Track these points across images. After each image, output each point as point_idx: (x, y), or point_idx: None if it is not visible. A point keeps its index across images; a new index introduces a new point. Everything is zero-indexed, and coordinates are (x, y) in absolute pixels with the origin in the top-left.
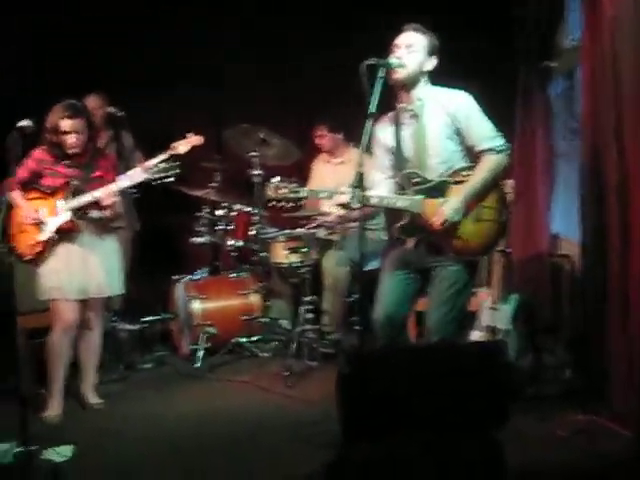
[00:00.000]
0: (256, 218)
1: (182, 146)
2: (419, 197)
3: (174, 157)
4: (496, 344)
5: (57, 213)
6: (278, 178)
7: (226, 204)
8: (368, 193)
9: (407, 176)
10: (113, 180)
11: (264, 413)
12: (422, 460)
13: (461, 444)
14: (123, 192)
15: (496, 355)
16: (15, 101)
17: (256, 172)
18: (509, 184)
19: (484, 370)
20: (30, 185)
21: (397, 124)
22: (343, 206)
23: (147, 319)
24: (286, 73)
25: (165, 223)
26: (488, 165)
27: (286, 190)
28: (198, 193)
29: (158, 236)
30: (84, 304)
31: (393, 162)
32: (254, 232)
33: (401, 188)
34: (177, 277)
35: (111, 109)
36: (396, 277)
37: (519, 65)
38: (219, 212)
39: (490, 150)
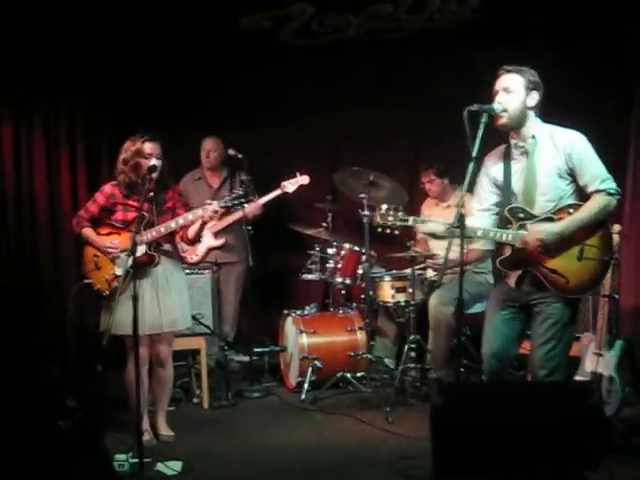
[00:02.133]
0: (364, 257)
1: (291, 185)
2: (522, 232)
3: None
4: (588, 384)
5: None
6: (386, 205)
7: (336, 243)
8: (473, 225)
9: (512, 211)
10: (183, 210)
11: (363, 446)
12: None
13: None
14: (238, 228)
15: (587, 396)
16: None
17: (366, 213)
18: (616, 228)
19: (574, 409)
20: (100, 221)
21: (507, 159)
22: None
23: (257, 350)
24: (395, 117)
25: (278, 259)
26: (596, 204)
27: (393, 218)
28: (310, 232)
29: (271, 272)
30: (156, 339)
31: (500, 197)
32: (362, 271)
33: (506, 222)
34: (287, 312)
35: (231, 151)
36: (501, 316)
37: (632, 112)
38: (330, 250)
39: (603, 191)
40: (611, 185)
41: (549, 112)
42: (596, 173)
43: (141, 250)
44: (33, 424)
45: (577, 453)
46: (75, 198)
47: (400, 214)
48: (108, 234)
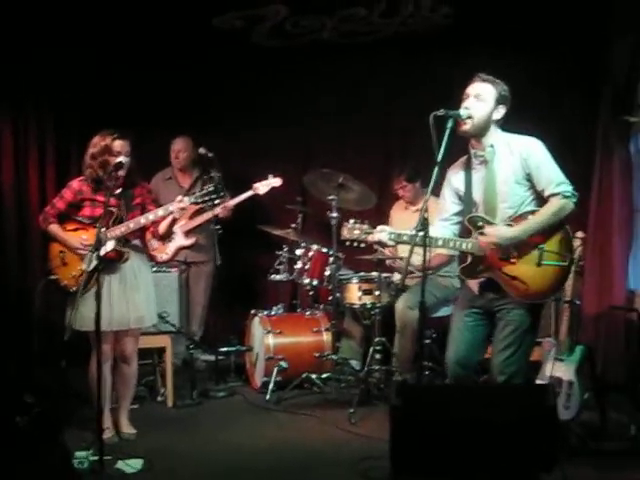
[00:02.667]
0: (332, 259)
1: (262, 187)
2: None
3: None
4: (544, 387)
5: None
6: (352, 220)
7: (304, 244)
8: (434, 235)
9: (472, 220)
10: (153, 206)
11: (326, 446)
12: None
13: None
14: (208, 228)
15: (543, 397)
16: None
17: (334, 215)
18: (579, 235)
19: (530, 411)
20: (67, 217)
21: (468, 169)
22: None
23: (223, 350)
24: (367, 120)
25: (247, 260)
26: (551, 207)
27: (358, 232)
28: (279, 232)
29: (239, 271)
30: (119, 337)
31: (462, 207)
32: (329, 272)
33: (467, 232)
34: (254, 311)
35: (202, 150)
36: (466, 322)
37: (599, 118)
38: (298, 251)
39: (557, 194)
40: (567, 188)
41: (519, 117)
42: (552, 177)
43: (110, 246)
44: None
45: (532, 455)
46: (43, 193)
47: (365, 227)
48: (75, 229)
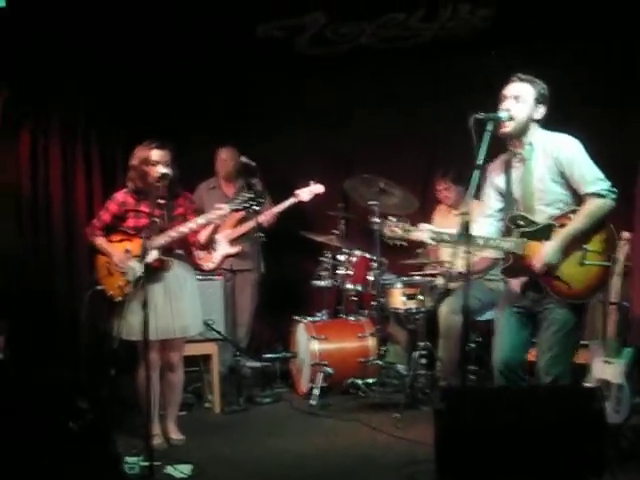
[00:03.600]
0: (375, 264)
1: (305, 194)
2: (522, 239)
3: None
4: (590, 390)
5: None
6: (394, 219)
7: (347, 250)
8: (476, 233)
9: (513, 219)
10: (193, 216)
11: (371, 451)
12: None
13: None
14: (252, 237)
15: (590, 400)
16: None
17: (376, 220)
18: (625, 235)
19: (577, 414)
20: (114, 228)
21: (507, 167)
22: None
23: (269, 356)
24: (408, 125)
25: (290, 266)
26: (589, 208)
27: (400, 231)
28: (322, 239)
29: (283, 278)
30: (167, 344)
31: (503, 205)
32: (372, 277)
33: (508, 230)
34: (299, 318)
35: (244, 159)
36: (510, 322)
37: None
38: (340, 257)
39: (593, 194)
40: (602, 186)
41: (558, 119)
42: (585, 175)
43: (153, 255)
44: (44, 425)
45: (580, 459)
46: (90, 204)
47: (406, 225)
48: (120, 241)
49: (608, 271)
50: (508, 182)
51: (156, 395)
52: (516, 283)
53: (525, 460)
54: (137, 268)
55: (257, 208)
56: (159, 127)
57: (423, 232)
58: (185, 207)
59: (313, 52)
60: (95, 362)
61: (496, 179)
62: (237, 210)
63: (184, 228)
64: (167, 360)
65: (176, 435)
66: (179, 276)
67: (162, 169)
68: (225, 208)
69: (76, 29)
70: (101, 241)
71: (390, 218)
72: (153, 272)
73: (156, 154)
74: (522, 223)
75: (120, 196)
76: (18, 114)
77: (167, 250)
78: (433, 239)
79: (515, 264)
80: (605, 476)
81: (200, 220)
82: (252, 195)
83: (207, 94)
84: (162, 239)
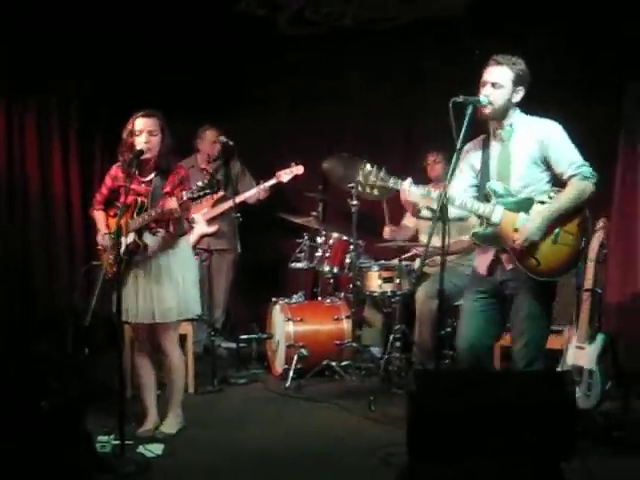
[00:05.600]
0: (352, 247)
1: (285, 175)
2: (499, 207)
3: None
4: (563, 374)
5: (127, 233)
6: (369, 165)
7: (325, 232)
8: (452, 195)
9: (492, 187)
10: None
11: (345, 434)
12: None
13: (521, 473)
14: (229, 216)
15: (561, 384)
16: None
17: (354, 203)
18: (602, 222)
19: (547, 398)
20: (111, 203)
21: (485, 147)
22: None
23: (244, 337)
24: (389, 106)
25: (268, 247)
26: (573, 190)
27: (375, 179)
28: (300, 220)
29: (260, 259)
30: (155, 329)
31: (478, 183)
32: (349, 260)
33: (485, 200)
34: (275, 299)
35: (223, 139)
36: (475, 306)
37: (623, 111)
38: (318, 239)
39: (577, 175)
40: (586, 169)
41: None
42: (571, 159)
43: (130, 237)
44: (16, 403)
45: (551, 443)
46: (67, 183)
47: (382, 174)
48: (114, 216)
49: (578, 254)
50: (485, 161)
51: (147, 379)
52: (482, 264)
53: (496, 443)
54: (121, 248)
55: (209, 195)
56: (138, 104)
57: (410, 186)
58: (173, 187)
59: (294, 32)
60: (71, 340)
61: (472, 157)
62: (193, 199)
63: (153, 212)
64: (157, 344)
65: (168, 425)
66: (160, 259)
67: (143, 144)
68: (172, 201)
69: (52, 2)
70: (97, 215)
71: (366, 165)
72: (131, 255)
73: (139, 123)
74: (500, 192)
75: (113, 170)
76: None
77: (152, 231)
78: (422, 194)
79: (487, 231)
80: (575, 460)
81: (153, 213)
82: (207, 183)
83: (187, 72)
84: (138, 220)
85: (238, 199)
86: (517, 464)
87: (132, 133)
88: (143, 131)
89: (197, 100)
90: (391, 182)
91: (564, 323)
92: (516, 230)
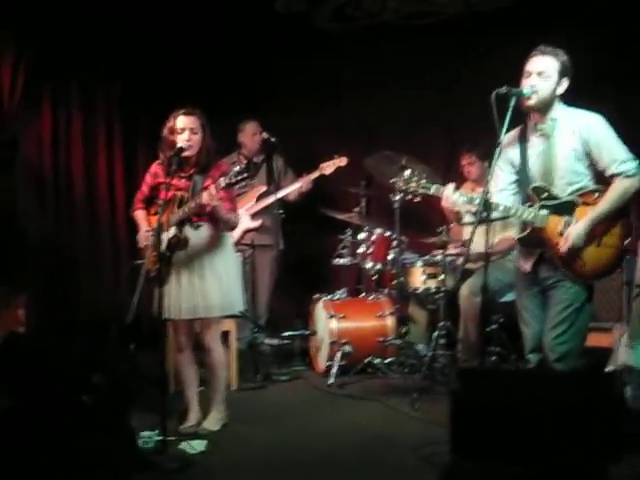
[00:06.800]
0: (395, 242)
1: (328, 167)
2: (543, 211)
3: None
4: (611, 374)
5: (168, 229)
6: (410, 171)
7: (368, 228)
8: (495, 202)
9: (536, 190)
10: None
11: (387, 431)
12: None
13: (566, 474)
14: (271, 212)
15: (610, 385)
16: None
17: (397, 198)
18: None
19: (596, 399)
20: (152, 201)
21: (523, 141)
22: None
23: (287, 334)
24: (431, 101)
25: (311, 244)
26: (618, 190)
27: (415, 184)
28: (342, 216)
29: (303, 256)
30: (197, 324)
31: (518, 179)
32: (393, 256)
33: (528, 201)
34: (318, 296)
35: (265, 134)
36: (534, 302)
37: None
38: (361, 235)
39: (621, 174)
40: (630, 166)
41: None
42: (614, 156)
43: (171, 232)
44: (58, 399)
45: (598, 445)
46: (111, 181)
47: (423, 181)
48: (155, 214)
49: (622, 254)
50: (524, 157)
51: (189, 376)
52: (525, 262)
53: (541, 444)
54: (163, 244)
55: (246, 181)
56: (180, 102)
57: (453, 192)
58: (213, 179)
59: (334, 27)
60: (117, 337)
61: (510, 152)
62: (231, 184)
63: (192, 204)
64: (199, 341)
65: (210, 421)
66: (204, 255)
67: (184, 142)
68: (211, 188)
69: (98, 1)
70: (138, 214)
71: (406, 171)
72: (173, 250)
73: (181, 121)
74: (544, 196)
75: (153, 167)
76: (39, 89)
77: (195, 225)
78: (464, 201)
79: (532, 235)
80: (623, 462)
81: (192, 204)
82: (244, 167)
83: (228, 69)
84: (178, 214)
85: (281, 193)
86: (562, 465)
87: (173, 131)
88: (185, 129)
89: (237, 97)
90: (432, 190)
91: (613, 320)
92: (561, 234)
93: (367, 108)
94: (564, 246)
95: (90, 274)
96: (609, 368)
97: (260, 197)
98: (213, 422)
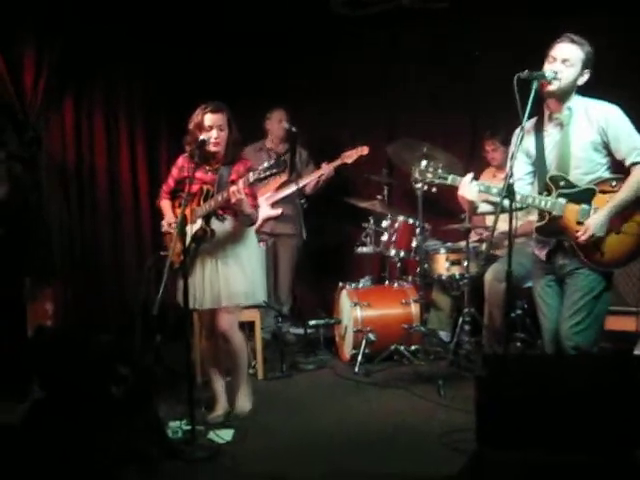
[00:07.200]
0: (418, 230)
1: (350, 156)
2: (561, 200)
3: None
4: (638, 358)
5: (193, 221)
6: (425, 162)
7: (390, 215)
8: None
9: (553, 179)
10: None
11: (413, 418)
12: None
13: (594, 461)
14: (293, 201)
15: (637, 370)
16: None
17: (419, 185)
18: None
19: (624, 384)
20: (178, 194)
21: (539, 131)
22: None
23: (312, 323)
24: (451, 86)
25: (333, 232)
26: (636, 179)
27: (431, 175)
28: (365, 204)
29: (326, 244)
30: (216, 315)
31: (534, 169)
32: (416, 243)
33: (546, 191)
34: (342, 284)
35: (285, 124)
36: (548, 291)
37: None
38: (384, 223)
39: (638, 162)
40: None
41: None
42: (633, 145)
43: (197, 224)
44: (87, 390)
45: (626, 430)
46: (134, 173)
47: (440, 171)
48: (180, 206)
49: None
50: (540, 146)
51: (215, 366)
52: (541, 250)
53: (568, 430)
54: (188, 237)
55: (276, 175)
56: (202, 93)
57: (469, 183)
58: (238, 174)
59: (351, 13)
60: (142, 329)
61: (526, 142)
62: (260, 180)
63: (219, 197)
64: (217, 328)
65: (241, 404)
66: (228, 246)
67: (207, 135)
68: (239, 184)
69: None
70: (163, 204)
71: (422, 162)
72: (199, 241)
73: (208, 119)
74: (562, 184)
75: (180, 160)
76: (61, 88)
77: (220, 218)
78: (481, 190)
79: (551, 224)
80: None
81: (219, 197)
82: (273, 162)
83: (251, 60)
84: (204, 207)
85: (302, 182)
86: (589, 451)
87: (201, 127)
88: (213, 127)
89: (262, 88)
90: (450, 180)
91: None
92: (579, 223)
93: (389, 95)
94: (584, 236)
95: (114, 267)
96: (637, 352)
97: (280, 186)
98: (243, 405)
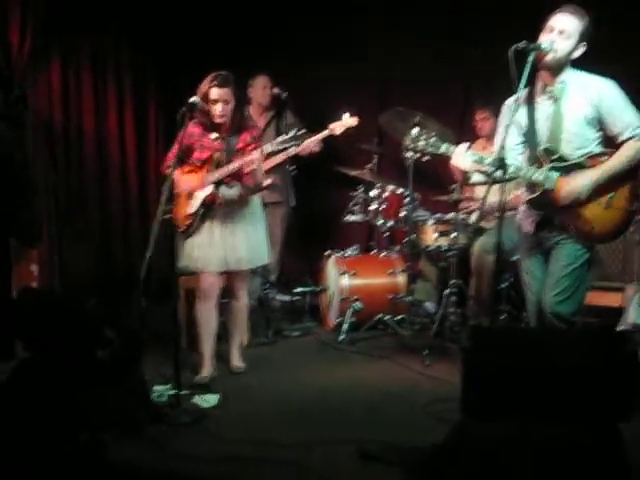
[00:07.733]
0: (407, 200)
1: (338, 127)
2: (555, 173)
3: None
4: (622, 333)
5: (203, 186)
6: (417, 129)
7: (380, 185)
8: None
9: (546, 152)
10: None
11: (398, 388)
12: (534, 447)
13: (576, 433)
14: (282, 168)
15: (622, 343)
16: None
17: (410, 154)
18: None
19: (607, 357)
20: (186, 159)
21: (531, 103)
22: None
23: (298, 291)
24: (444, 54)
25: (322, 200)
26: (628, 151)
27: (424, 143)
28: (354, 173)
29: (315, 212)
30: (229, 276)
31: (525, 140)
32: (405, 213)
33: (536, 163)
34: (329, 252)
35: (276, 90)
36: (534, 264)
37: None
38: (373, 192)
39: (633, 138)
40: None
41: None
42: (628, 121)
43: (209, 190)
44: (72, 352)
45: (609, 403)
46: (122, 135)
47: (432, 140)
48: (189, 172)
49: (630, 216)
50: (531, 118)
51: (209, 329)
52: (528, 222)
53: (552, 402)
54: (197, 201)
55: (296, 149)
56: (190, 58)
57: (463, 153)
58: (246, 143)
59: None
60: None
61: (517, 113)
62: (274, 152)
63: (230, 166)
64: (231, 289)
65: (237, 363)
66: (235, 211)
67: (219, 107)
68: (257, 152)
69: None
70: (177, 175)
71: (414, 130)
72: (208, 206)
73: (215, 92)
74: (555, 157)
75: (189, 127)
76: (48, 45)
77: (222, 184)
78: (475, 161)
79: (542, 197)
80: (634, 421)
81: (236, 164)
82: (292, 135)
83: (237, 25)
84: (215, 174)
85: (292, 151)
86: (573, 423)
87: (207, 99)
88: (219, 101)
89: (250, 54)
90: (443, 148)
91: (626, 280)
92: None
93: (381, 63)
94: (567, 198)
95: (100, 226)
96: (620, 327)
97: (270, 155)
98: (240, 361)
